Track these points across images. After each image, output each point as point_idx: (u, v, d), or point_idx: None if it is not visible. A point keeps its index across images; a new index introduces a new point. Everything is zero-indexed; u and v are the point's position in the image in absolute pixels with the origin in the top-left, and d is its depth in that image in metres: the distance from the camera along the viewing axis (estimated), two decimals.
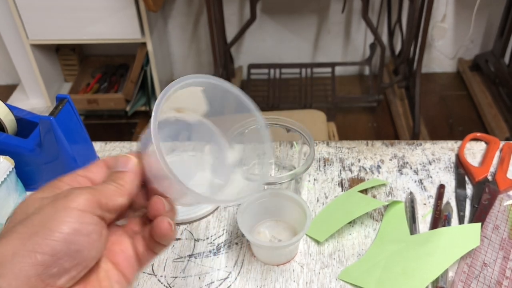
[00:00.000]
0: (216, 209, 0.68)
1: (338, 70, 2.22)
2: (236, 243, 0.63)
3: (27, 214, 0.32)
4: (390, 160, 0.74)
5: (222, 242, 0.63)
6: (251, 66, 2.17)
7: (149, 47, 1.87)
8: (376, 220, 0.65)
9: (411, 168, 0.73)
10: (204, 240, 0.64)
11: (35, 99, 2.10)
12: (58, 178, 0.38)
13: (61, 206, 0.32)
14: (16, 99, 2.11)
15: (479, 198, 0.66)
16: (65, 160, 0.67)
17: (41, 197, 0.34)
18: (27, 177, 0.70)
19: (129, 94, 1.92)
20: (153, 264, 0.61)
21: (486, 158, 0.72)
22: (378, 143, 0.78)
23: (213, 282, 0.59)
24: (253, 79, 2.15)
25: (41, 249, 0.30)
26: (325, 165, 0.74)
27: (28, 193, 0.71)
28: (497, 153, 0.74)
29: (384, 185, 0.70)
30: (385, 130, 1.98)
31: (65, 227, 0.31)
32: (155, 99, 2.02)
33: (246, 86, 2.14)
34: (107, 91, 2.01)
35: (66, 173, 0.70)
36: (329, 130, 1.28)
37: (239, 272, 0.59)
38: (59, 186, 0.36)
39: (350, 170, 0.73)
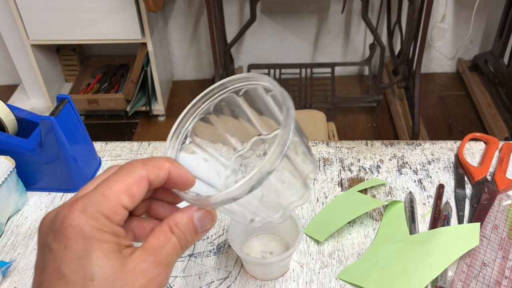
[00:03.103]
0: None
1: (338, 70, 2.22)
2: None
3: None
4: (390, 160, 0.75)
5: (222, 242, 0.63)
6: (251, 67, 2.18)
7: (150, 47, 1.87)
8: (376, 220, 0.65)
9: (410, 168, 0.73)
10: (204, 239, 0.64)
11: (35, 99, 2.11)
12: (102, 206, 0.31)
13: None
14: (16, 99, 2.11)
15: (478, 198, 0.66)
16: (66, 160, 0.67)
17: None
18: (28, 177, 0.70)
19: (129, 94, 1.92)
20: None
21: (485, 158, 0.73)
22: (377, 143, 0.78)
23: (213, 281, 0.59)
24: None
25: None
26: (324, 165, 0.74)
27: (29, 193, 0.71)
28: (496, 153, 0.74)
29: (383, 185, 0.70)
30: (385, 130, 1.98)
31: None
32: (156, 99, 2.04)
33: None
34: (108, 91, 2.02)
35: (66, 173, 0.70)
36: (329, 130, 1.29)
37: (239, 272, 0.60)
38: (110, 229, 0.31)
39: (349, 170, 0.73)
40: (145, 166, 0.33)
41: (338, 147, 0.78)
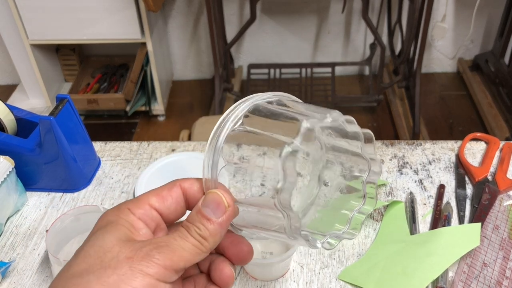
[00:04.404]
0: None
1: (338, 70, 2.22)
2: None
3: (101, 261, 0.30)
4: (390, 160, 0.74)
5: None
6: (251, 66, 2.17)
7: (149, 47, 1.87)
8: (376, 220, 0.65)
9: (411, 168, 0.73)
10: None
11: (35, 99, 2.10)
12: (130, 203, 0.34)
13: (136, 271, 0.30)
14: (16, 99, 2.11)
15: (479, 198, 0.66)
16: (65, 160, 0.67)
17: (116, 239, 0.32)
18: (27, 177, 0.70)
19: (129, 94, 1.92)
20: None
21: (486, 158, 0.72)
22: (378, 143, 0.77)
23: None
24: (253, 79, 2.15)
25: None
26: None
27: (28, 193, 0.71)
28: (497, 153, 0.74)
29: (384, 185, 0.70)
30: (385, 130, 1.98)
31: None
32: (155, 99, 2.03)
33: (246, 86, 2.14)
34: (107, 91, 2.01)
35: (65, 173, 0.70)
36: None
37: (239, 272, 0.59)
38: (128, 217, 0.33)
39: None
40: (180, 178, 0.36)
41: None
